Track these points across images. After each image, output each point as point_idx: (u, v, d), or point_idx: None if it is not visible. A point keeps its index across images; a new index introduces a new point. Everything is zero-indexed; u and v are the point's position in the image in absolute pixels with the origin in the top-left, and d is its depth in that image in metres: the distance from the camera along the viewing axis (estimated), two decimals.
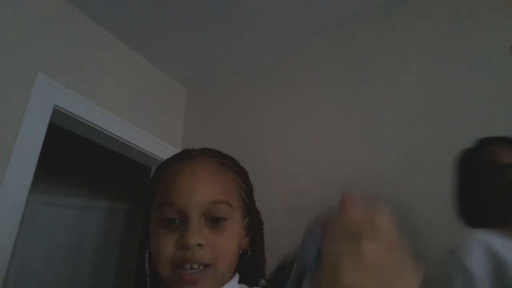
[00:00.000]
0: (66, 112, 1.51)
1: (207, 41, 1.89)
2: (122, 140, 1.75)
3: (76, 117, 1.55)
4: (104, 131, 1.67)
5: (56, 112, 1.49)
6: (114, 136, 1.72)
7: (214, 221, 0.53)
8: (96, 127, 1.63)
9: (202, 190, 0.54)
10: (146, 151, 1.86)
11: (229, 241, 0.54)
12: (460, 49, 1.42)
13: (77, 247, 2.73)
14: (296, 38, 1.85)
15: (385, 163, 1.41)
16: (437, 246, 1.07)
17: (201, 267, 0.51)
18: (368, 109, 1.55)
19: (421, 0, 1.58)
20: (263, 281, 0.60)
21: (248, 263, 0.60)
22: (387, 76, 1.55)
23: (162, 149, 1.92)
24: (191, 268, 0.50)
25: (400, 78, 1.52)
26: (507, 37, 1.32)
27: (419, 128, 1.39)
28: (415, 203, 1.29)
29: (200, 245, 0.51)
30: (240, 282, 0.59)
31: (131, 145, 1.79)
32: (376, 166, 1.43)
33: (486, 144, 1.03)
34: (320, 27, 1.78)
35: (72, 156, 2.82)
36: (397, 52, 1.57)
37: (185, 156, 0.60)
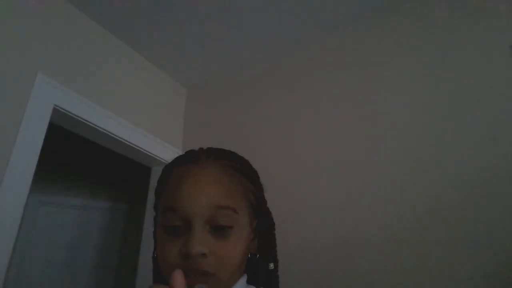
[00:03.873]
0: (66, 112, 1.51)
1: (207, 41, 1.89)
2: (122, 140, 1.75)
3: (76, 117, 1.55)
4: (104, 131, 1.67)
5: (56, 112, 1.49)
6: (114, 136, 1.72)
7: (218, 228, 0.52)
8: (96, 127, 1.63)
9: (206, 195, 0.53)
10: (146, 151, 1.86)
11: (234, 249, 0.53)
12: (460, 49, 1.42)
13: (77, 247, 2.73)
14: (297, 38, 1.85)
15: (385, 164, 1.41)
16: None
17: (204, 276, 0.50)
18: (369, 110, 1.55)
19: (420, 0, 1.58)
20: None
21: (257, 265, 0.59)
22: (387, 77, 1.55)
23: (162, 149, 1.92)
24: (194, 276, 0.49)
25: (400, 78, 1.52)
26: (507, 37, 1.32)
27: (419, 128, 1.39)
28: (417, 205, 1.30)
29: (203, 254, 0.49)
30: (249, 282, 0.58)
31: (131, 145, 1.79)
32: (376, 167, 1.43)
33: None
34: (319, 27, 1.78)
35: (72, 156, 2.82)
36: (397, 53, 1.57)
37: (190, 159, 0.59)
